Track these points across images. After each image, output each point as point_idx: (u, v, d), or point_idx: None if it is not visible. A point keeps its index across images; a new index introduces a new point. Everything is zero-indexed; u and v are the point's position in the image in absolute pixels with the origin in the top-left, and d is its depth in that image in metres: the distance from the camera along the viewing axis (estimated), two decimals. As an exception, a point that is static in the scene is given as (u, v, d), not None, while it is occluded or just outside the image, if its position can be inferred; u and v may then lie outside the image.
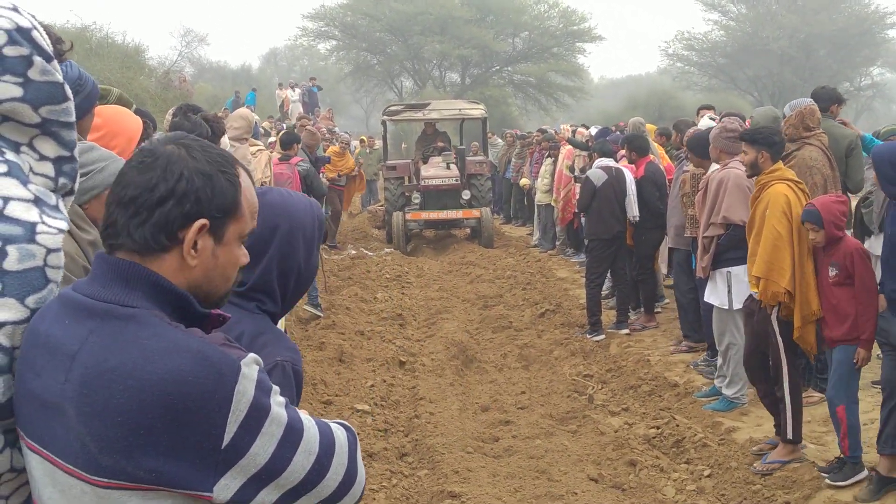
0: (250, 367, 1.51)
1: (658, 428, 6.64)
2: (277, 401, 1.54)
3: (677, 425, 6.59)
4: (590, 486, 5.53)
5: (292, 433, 1.55)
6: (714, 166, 7.03)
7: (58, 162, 1.85)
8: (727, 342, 6.80)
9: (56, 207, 1.79)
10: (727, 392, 6.87)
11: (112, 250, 1.58)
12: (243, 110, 10.96)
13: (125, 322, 1.49)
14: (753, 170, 5.75)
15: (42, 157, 1.82)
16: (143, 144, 1.65)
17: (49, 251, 1.69)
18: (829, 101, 7.31)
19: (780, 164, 5.80)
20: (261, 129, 18.12)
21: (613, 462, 5.98)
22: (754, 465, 5.76)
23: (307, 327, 9.51)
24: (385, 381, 7.86)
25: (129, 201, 1.54)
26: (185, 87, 26.38)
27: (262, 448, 1.50)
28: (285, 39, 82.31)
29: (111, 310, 1.51)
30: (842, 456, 5.30)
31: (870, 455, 5.41)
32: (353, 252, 15.60)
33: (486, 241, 16.32)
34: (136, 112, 7.17)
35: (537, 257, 14.92)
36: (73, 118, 1.85)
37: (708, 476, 5.77)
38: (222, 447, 1.45)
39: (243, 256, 1.68)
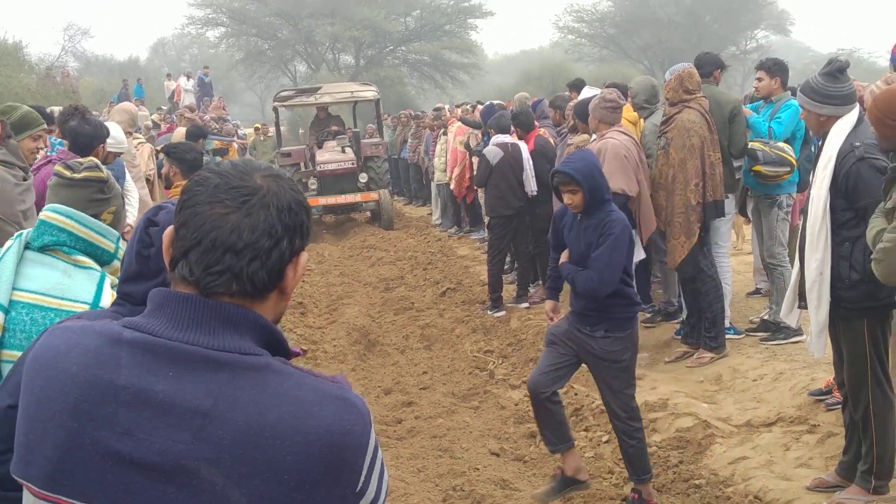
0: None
1: (557, 398, 6.74)
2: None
3: (576, 394, 6.70)
4: (491, 460, 5.60)
5: (382, 465, 1.54)
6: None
7: None
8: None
9: None
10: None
11: (207, 294, 1.44)
12: (125, 103, 10.72)
13: (261, 373, 1.40)
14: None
15: None
16: (230, 181, 1.46)
17: None
18: (711, 66, 7.46)
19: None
20: (149, 121, 17.72)
21: (514, 435, 6.06)
22: None
23: (205, 322, 9.35)
24: (286, 372, 7.79)
25: (244, 248, 1.42)
26: (68, 83, 25.53)
27: (374, 485, 1.48)
28: (173, 29, 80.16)
29: (240, 360, 1.40)
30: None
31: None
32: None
33: (386, 223, 16.28)
34: (35, 109, 6.96)
35: (438, 237, 14.97)
36: None
37: (606, 442, 5.88)
38: (356, 490, 1.43)
39: None
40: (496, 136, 9.65)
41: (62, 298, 2.66)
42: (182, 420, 1.36)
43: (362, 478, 1.44)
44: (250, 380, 1.39)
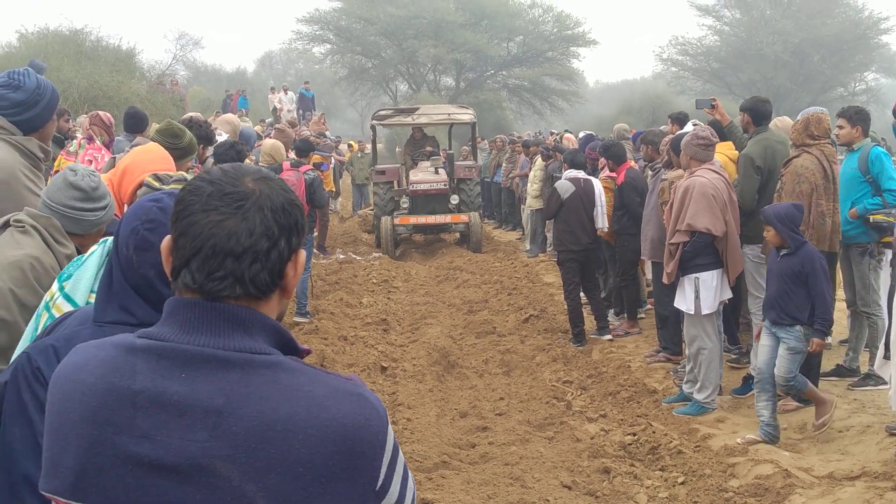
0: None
1: (634, 434, 6.63)
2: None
3: (654, 432, 6.59)
4: (563, 493, 5.53)
5: (406, 468, 1.56)
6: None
7: None
8: (697, 346, 6.86)
9: None
10: (698, 396, 6.91)
11: (212, 299, 1.46)
12: (229, 115, 11.01)
13: (272, 370, 1.43)
14: None
15: None
16: (222, 188, 1.49)
17: None
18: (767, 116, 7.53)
19: None
20: (253, 132, 18.13)
21: (587, 469, 5.98)
22: None
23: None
24: (365, 387, 7.85)
25: (244, 252, 1.44)
26: (177, 91, 26.29)
27: (395, 486, 1.51)
28: (280, 43, 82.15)
29: (251, 359, 1.43)
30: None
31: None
32: (342, 257, 15.60)
33: (475, 245, 16.32)
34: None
35: (525, 262, 14.93)
36: None
37: (681, 483, 5.76)
38: (376, 489, 1.46)
39: None
40: (568, 170, 9.64)
41: None
42: (197, 419, 1.39)
43: (382, 476, 1.46)
44: (262, 377, 1.42)
